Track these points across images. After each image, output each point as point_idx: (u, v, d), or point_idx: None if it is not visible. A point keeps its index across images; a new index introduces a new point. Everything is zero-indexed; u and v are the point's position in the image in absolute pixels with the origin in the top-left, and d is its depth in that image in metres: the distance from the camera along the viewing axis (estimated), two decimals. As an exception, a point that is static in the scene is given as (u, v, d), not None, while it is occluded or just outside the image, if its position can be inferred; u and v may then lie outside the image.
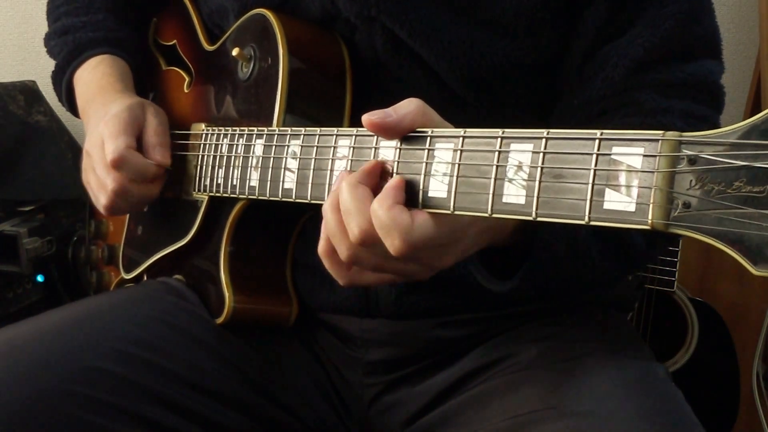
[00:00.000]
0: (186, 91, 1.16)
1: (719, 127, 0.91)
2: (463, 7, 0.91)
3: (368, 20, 0.94)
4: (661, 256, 1.62)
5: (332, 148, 0.79)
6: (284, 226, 1.04)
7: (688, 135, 0.52)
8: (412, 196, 0.71)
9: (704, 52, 0.92)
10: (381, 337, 1.01)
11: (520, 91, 0.96)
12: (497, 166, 0.63)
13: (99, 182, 1.05)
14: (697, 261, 1.65)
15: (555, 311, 0.99)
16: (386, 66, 0.96)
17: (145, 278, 1.18)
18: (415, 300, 0.98)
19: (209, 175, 1.01)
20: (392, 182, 0.71)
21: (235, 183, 0.95)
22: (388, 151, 0.73)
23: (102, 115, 1.05)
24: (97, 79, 1.13)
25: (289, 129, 0.87)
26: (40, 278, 1.78)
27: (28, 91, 1.92)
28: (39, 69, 2.11)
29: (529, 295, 0.91)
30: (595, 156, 0.56)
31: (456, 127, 0.71)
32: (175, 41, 1.22)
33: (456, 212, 0.67)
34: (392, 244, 0.69)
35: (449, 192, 0.67)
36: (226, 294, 0.99)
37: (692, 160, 0.51)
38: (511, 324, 0.98)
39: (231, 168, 0.96)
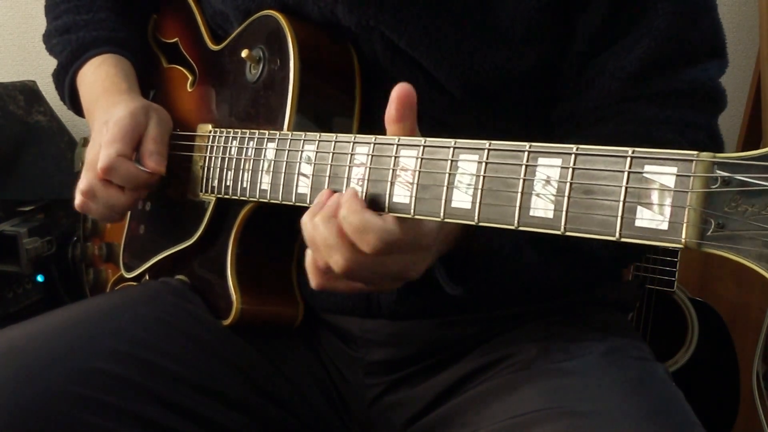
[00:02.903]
0: (189, 90, 1.16)
1: (717, 132, 0.95)
2: (460, 15, 0.91)
3: (367, 29, 0.94)
4: (662, 256, 1.63)
5: (349, 155, 0.79)
6: (291, 227, 1.03)
7: (722, 156, 0.52)
8: (434, 205, 0.71)
9: (706, 54, 0.92)
10: (382, 338, 1.01)
11: (520, 97, 0.97)
12: (524, 180, 0.63)
13: (80, 181, 1.06)
14: (697, 261, 1.67)
15: (555, 311, 1.00)
16: (388, 71, 0.96)
17: (147, 278, 1.17)
18: (416, 300, 0.98)
19: (217, 176, 1.01)
20: (351, 191, 0.77)
21: (245, 186, 0.95)
22: (410, 160, 0.73)
23: (107, 118, 1.05)
24: (101, 80, 1.12)
25: (303, 134, 0.86)
26: (40, 278, 1.78)
27: (28, 91, 1.90)
28: (39, 69, 2.09)
29: (484, 300, 0.96)
30: (626, 173, 0.56)
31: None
32: (177, 39, 1.21)
33: (481, 223, 0.67)
34: (368, 242, 0.73)
35: (474, 203, 0.67)
36: (234, 296, 0.99)
37: (726, 181, 0.51)
38: (511, 324, 0.98)
39: (241, 170, 0.96)
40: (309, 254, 0.81)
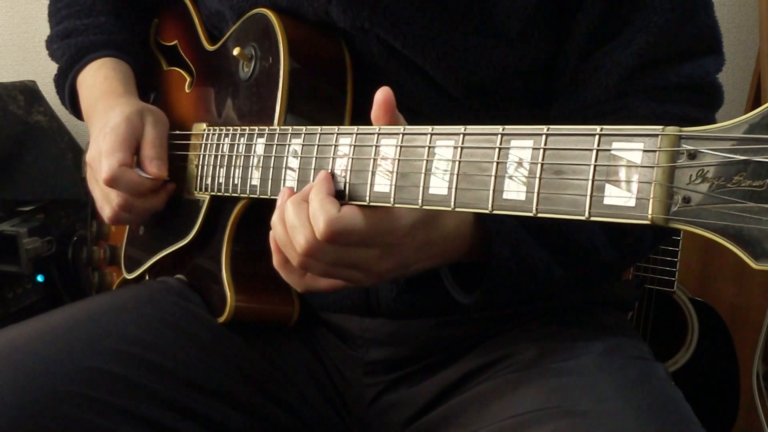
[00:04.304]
0: (187, 91, 1.17)
1: (714, 125, 0.94)
2: (457, 14, 0.92)
3: (362, 31, 0.95)
4: (662, 256, 1.62)
5: (333, 147, 0.80)
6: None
7: (688, 130, 0.52)
8: (412, 192, 0.71)
9: (702, 49, 0.92)
10: (381, 337, 1.01)
11: (517, 94, 0.97)
12: (498, 163, 0.63)
13: (103, 195, 1.07)
14: (697, 261, 1.66)
15: (555, 311, 0.99)
16: (384, 71, 0.96)
17: (147, 278, 1.18)
18: (416, 299, 0.98)
19: (210, 174, 1.02)
20: (322, 175, 0.78)
21: (236, 182, 0.95)
22: (389, 149, 0.73)
23: (103, 123, 1.06)
24: (100, 83, 1.13)
25: (290, 128, 0.87)
26: (40, 278, 1.78)
27: (28, 91, 1.91)
28: (39, 69, 2.11)
29: (494, 306, 0.96)
30: (595, 152, 0.56)
31: None
32: (176, 41, 1.22)
33: (457, 208, 0.67)
34: (318, 228, 0.74)
35: (450, 189, 0.67)
36: (228, 293, 0.99)
37: (692, 155, 0.51)
38: (511, 324, 0.98)
39: (232, 167, 0.97)
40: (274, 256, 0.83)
